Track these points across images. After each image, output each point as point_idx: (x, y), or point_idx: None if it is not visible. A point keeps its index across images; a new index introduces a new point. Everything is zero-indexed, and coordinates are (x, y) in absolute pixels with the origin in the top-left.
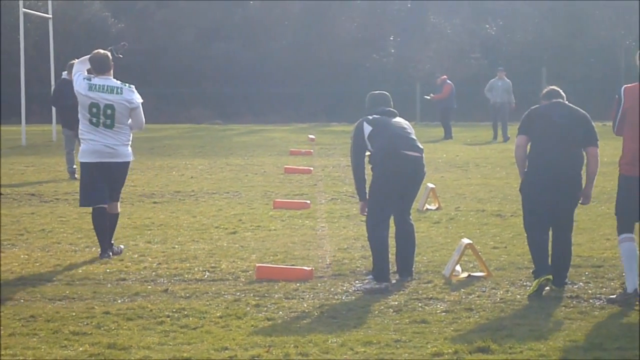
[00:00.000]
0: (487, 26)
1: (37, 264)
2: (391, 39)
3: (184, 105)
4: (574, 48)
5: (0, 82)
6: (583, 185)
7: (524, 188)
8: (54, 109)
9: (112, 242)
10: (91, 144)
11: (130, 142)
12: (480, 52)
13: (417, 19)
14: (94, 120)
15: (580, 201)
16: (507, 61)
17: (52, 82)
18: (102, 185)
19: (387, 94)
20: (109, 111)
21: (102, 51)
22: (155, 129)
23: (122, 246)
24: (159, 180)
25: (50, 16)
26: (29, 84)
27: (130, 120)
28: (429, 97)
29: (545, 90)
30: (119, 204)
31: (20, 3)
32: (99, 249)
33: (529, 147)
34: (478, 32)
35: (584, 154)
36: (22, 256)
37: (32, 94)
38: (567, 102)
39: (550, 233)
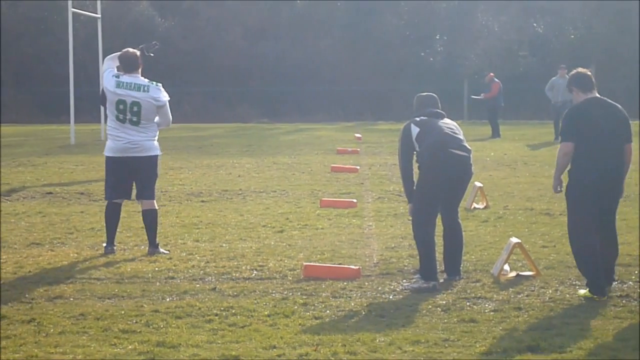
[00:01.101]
0: (535, 24)
1: (87, 262)
2: (437, 37)
3: (231, 104)
4: (623, 45)
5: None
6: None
7: (575, 192)
8: (102, 108)
9: (157, 242)
10: (117, 140)
11: (156, 138)
12: (528, 49)
13: (465, 16)
14: (121, 116)
15: None
16: (555, 59)
17: (101, 82)
18: (123, 182)
19: (435, 95)
20: (135, 108)
21: (131, 50)
22: (203, 127)
23: (162, 250)
24: (207, 179)
25: (99, 16)
26: (77, 84)
27: (157, 118)
28: (478, 97)
29: (575, 75)
30: (154, 201)
31: (69, 3)
32: (105, 242)
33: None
34: (526, 30)
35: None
36: (71, 254)
37: (81, 93)
38: (601, 97)
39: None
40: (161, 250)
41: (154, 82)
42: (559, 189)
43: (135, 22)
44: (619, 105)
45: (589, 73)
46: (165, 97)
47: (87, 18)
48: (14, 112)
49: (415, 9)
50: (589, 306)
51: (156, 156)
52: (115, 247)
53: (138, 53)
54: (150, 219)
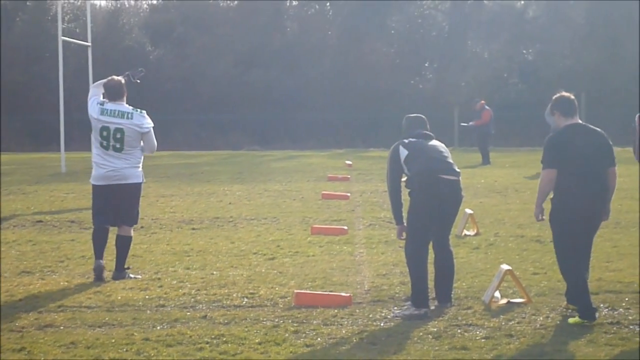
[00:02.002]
0: (525, 52)
1: (77, 291)
2: (427, 65)
3: (222, 131)
4: (614, 73)
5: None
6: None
7: (560, 219)
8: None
9: (126, 267)
10: (100, 168)
11: (139, 165)
12: (518, 77)
13: (455, 44)
14: (104, 143)
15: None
16: (545, 86)
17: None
18: (109, 208)
19: (424, 117)
20: (118, 135)
21: (116, 78)
22: (194, 155)
23: (132, 275)
24: (198, 206)
25: (90, 44)
26: (68, 112)
27: (142, 144)
28: (468, 125)
29: (558, 99)
30: (131, 229)
31: (60, 31)
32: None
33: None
34: (516, 58)
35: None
36: (62, 283)
37: (71, 121)
38: (583, 123)
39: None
40: (131, 275)
41: (138, 110)
42: (540, 217)
43: (126, 50)
44: (600, 130)
45: (573, 97)
46: (149, 123)
47: (77, 46)
48: (5, 140)
49: (405, 37)
50: (580, 333)
51: (139, 184)
52: (103, 262)
53: (123, 81)
54: (121, 244)
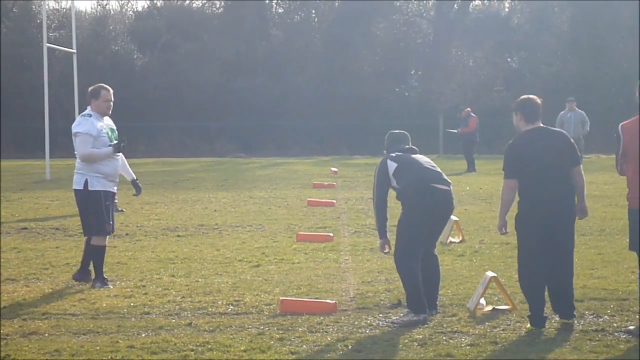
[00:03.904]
0: (509, 59)
1: (62, 298)
2: (412, 72)
3: (208, 138)
4: (598, 80)
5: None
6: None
7: (524, 223)
8: None
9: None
10: None
11: (80, 171)
12: (503, 84)
13: (440, 52)
14: None
15: (577, 217)
16: (530, 94)
17: (76, 116)
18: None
19: (406, 133)
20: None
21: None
22: (179, 162)
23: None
24: (183, 213)
25: (75, 51)
26: (53, 118)
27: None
28: (455, 131)
29: (523, 101)
30: (99, 237)
31: (44, 38)
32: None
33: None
34: (501, 65)
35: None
36: (46, 290)
37: (56, 128)
38: (543, 126)
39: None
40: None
41: (85, 112)
42: (504, 231)
43: (112, 57)
44: (561, 130)
45: (539, 102)
46: (75, 127)
47: (62, 53)
48: None
49: (390, 45)
50: (565, 340)
51: (77, 190)
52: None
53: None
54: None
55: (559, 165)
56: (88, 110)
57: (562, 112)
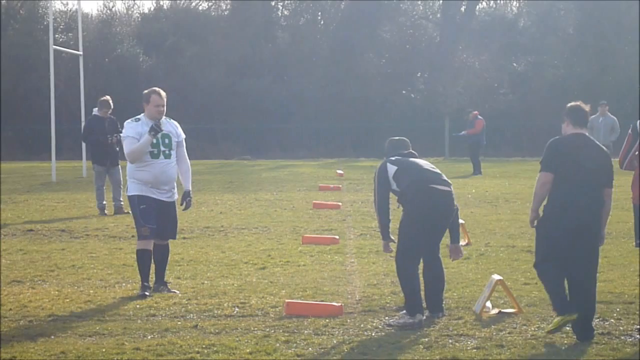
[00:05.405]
0: (515, 63)
1: (68, 300)
2: (419, 75)
3: (214, 140)
4: (604, 83)
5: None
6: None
7: (544, 227)
8: (84, 145)
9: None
10: None
11: (128, 177)
12: (508, 87)
13: (446, 54)
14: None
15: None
16: (535, 97)
17: (83, 119)
18: None
19: (406, 139)
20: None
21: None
22: None
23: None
24: (189, 215)
25: (81, 53)
26: (59, 120)
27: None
28: (460, 135)
29: (572, 107)
30: (139, 241)
31: (51, 40)
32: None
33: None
34: (507, 68)
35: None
36: (52, 292)
37: (62, 130)
38: (589, 136)
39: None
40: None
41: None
42: (535, 223)
43: (118, 60)
44: (605, 148)
45: (587, 108)
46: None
47: (69, 55)
48: None
49: (397, 47)
50: (571, 343)
51: (128, 196)
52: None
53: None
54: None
55: (594, 179)
56: (141, 115)
57: (592, 116)
